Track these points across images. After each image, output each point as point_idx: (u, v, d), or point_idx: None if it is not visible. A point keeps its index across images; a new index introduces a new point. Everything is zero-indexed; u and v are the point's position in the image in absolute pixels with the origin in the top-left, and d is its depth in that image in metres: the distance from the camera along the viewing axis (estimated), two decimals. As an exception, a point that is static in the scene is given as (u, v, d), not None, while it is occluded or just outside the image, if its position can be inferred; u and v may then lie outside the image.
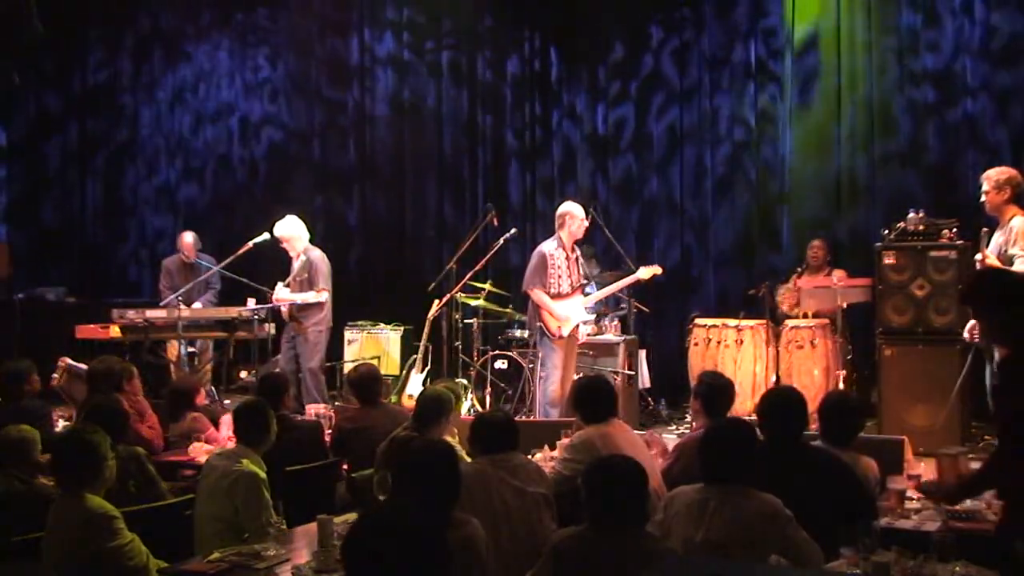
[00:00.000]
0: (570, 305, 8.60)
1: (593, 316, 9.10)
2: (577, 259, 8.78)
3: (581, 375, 8.13)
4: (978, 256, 7.14)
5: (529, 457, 5.20)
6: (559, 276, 8.62)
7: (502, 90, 12.03)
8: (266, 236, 9.61)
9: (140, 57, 13.42)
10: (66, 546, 4.17)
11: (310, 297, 9.32)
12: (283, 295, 9.37)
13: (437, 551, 2.59)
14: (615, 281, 9.38)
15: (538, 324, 8.65)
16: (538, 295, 8.58)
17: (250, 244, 9.64)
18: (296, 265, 9.50)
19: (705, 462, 4.18)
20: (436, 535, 2.62)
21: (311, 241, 9.66)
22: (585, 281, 8.83)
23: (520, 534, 4.49)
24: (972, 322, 7.21)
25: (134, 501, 4.89)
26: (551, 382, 8.42)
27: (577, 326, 8.68)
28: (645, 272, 8.82)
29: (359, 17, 12.52)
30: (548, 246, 8.69)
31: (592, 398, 5.58)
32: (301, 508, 5.00)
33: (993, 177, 7.19)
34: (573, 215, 8.68)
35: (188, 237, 10.62)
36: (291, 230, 9.50)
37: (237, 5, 13.05)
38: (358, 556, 2.61)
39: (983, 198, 7.23)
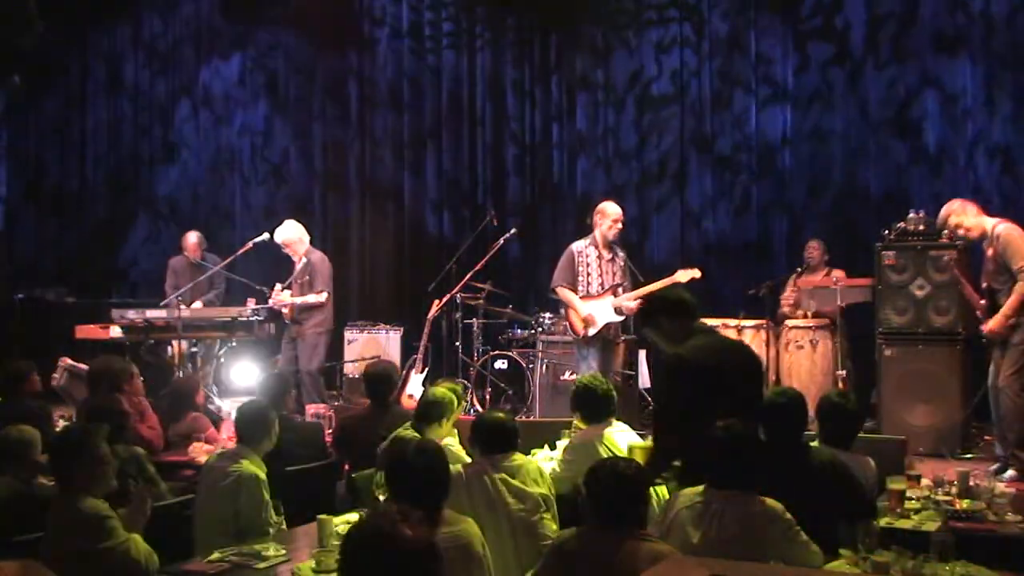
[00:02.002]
0: (598, 306, 8.38)
1: (622, 318, 8.58)
2: (613, 260, 8.45)
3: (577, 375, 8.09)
4: (983, 328, 7.19)
5: (529, 457, 5.19)
6: (588, 275, 8.42)
7: (503, 85, 12.00)
8: (266, 236, 9.59)
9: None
10: (62, 547, 4.18)
11: (310, 299, 9.29)
12: (283, 298, 9.35)
13: (431, 559, 2.61)
14: None
15: (565, 323, 8.57)
16: (563, 292, 8.41)
17: (250, 244, 9.63)
18: (298, 268, 9.47)
19: (708, 467, 4.18)
20: (429, 544, 2.64)
21: (312, 243, 9.64)
22: (618, 283, 8.45)
23: (521, 535, 4.50)
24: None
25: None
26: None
27: (609, 326, 8.37)
28: (683, 275, 8.40)
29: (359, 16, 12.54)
30: (579, 244, 8.49)
31: (591, 398, 5.59)
32: (301, 508, 5.00)
33: (958, 213, 7.23)
34: (604, 213, 8.45)
35: (192, 237, 10.59)
36: (291, 234, 9.47)
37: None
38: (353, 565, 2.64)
39: (963, 234, 7.30)
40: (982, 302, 7.21)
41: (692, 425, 4.45)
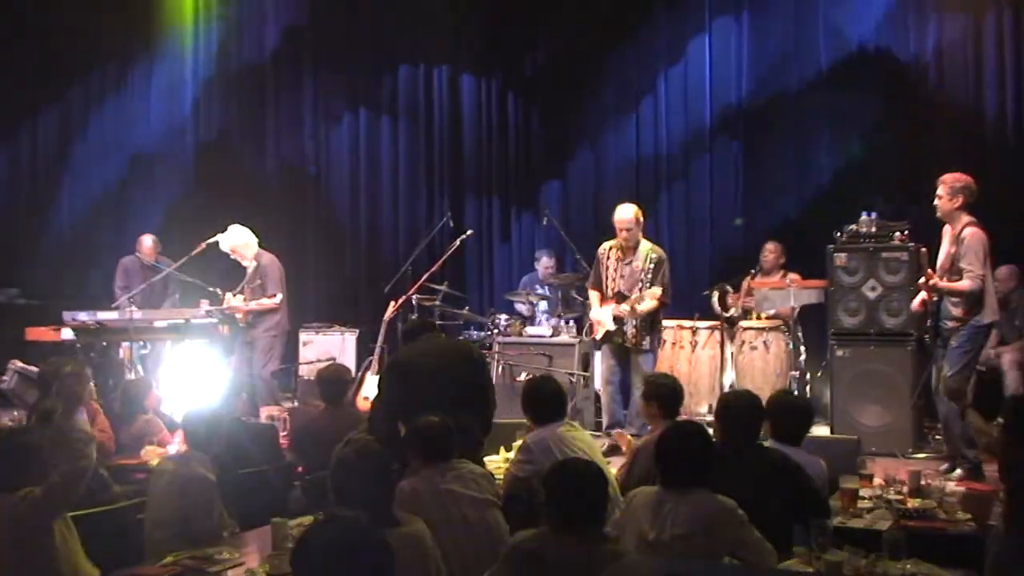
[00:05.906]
0: (606, 312, 8.38)
1: (615, 327, 8.43)
2: (630, 263, 8.35)
3: (531, 376, 8.05)
4: (921, 280, 7.18)
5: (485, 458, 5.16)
6: (606, 278, 8.45)
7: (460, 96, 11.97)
8: (219, 238, 9.47)
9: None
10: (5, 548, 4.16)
11: (264, 303, 9.18)
12: (236, 304, 9.21)
13: (381, 562, 2.62)
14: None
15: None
16: (589, 293, 8.65)
17: (203, 245, 9.50)
18: (248, 272, 9.32)
19: (661, 465, 4.20)
20: (380, 546, 2.65)
21: (261, 245, 9.46)
22: (622, 291, 8.33)
23: (480, 542, 4.41)
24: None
25: (85, 504, 4.83)
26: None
27: (611, 333, 8.34)
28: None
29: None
30: (606, 244, 8.56)
31: (538, 399, 5.53)
32: (256, 511, 4.96)
33: (949, 182, 7.05)
34: (614, 217, 8.47)
35: (148, 240, 10.49)
36: (238, 239, 9.32)
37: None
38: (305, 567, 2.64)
39: (936, 201, 7.12)
40: (933, 299, 7.19)
41: (400, 410, 5.19)
